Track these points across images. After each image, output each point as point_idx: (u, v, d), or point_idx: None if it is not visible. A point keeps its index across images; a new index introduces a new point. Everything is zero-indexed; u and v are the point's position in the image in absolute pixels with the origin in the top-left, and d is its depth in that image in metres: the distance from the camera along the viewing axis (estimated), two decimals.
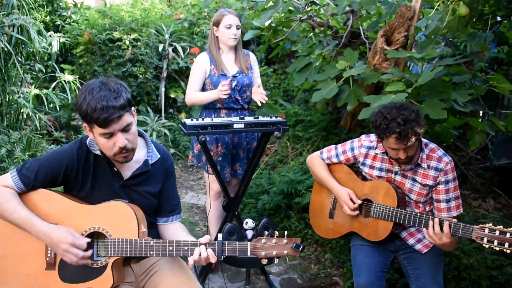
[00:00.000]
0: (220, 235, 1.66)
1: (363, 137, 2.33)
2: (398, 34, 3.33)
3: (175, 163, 5.22)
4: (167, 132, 5.02)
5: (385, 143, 2.06)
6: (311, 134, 4.47)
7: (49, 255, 1.66)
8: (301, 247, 1.63)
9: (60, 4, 5.45)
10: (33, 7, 3.68)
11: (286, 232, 1.69)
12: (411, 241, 2.22)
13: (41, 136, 3.65)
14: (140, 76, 4.92)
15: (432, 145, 2.18)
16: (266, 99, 2.83)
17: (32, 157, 3.44)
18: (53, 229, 1.62)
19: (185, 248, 1.65)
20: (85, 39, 4.80)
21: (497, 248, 1.79)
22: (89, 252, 1.64)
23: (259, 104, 2.85)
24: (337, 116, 4.59)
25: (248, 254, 1.64)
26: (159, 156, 1.86)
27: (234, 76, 2.92)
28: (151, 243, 1.65)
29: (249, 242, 1.64)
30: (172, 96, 5.59)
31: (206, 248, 1.63)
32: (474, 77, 3.12)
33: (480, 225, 1.85)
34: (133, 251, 1.64)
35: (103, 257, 1.68)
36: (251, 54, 3.08)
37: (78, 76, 4.07)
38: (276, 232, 1.68)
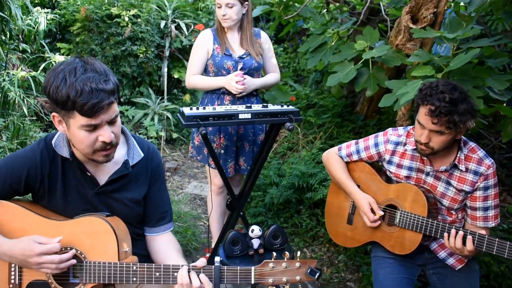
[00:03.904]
0: (218, 258, 1.36)
1: (389, 130, 2.00)
2: (425, 11, 2.96)
3: (178, 149, 4.92)
4: (169, 115, 4.67)
5: (418, 114, 1.76)
6: (325, 120, 4.13)
7: (12, 280, 1.38)
8: (318, 273, 1.34)
9: None
10: None
11: (299, 253, 1.39)
12: (442, 254, 1.92)
13: (30, 123, 3.35)
14: (141, 55, 4.58)
15: (472, 144, 1.85)
16: (240, 91, 2.48)
17: (22, 146, 3.15)
18: (15, 245, 1.33)
19: (175, 274, 1.35)
20: (81, 15, 4.45)
21: None
22: (69, 254, 1.35)
23: (234, 92, 2.50)
24: (352, 101, 4.24)
25: (252, 281, 1.35)
26: (142, 155, 1.55)
27: (240, 58, 2.59)
28: (134, 267, 1.35)
29: (253, 268, 1.34)
30: (176, 76, 5.25)
31: (199, 275, 1.33)
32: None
33: None
34: (112, 278, 1.35)
35: (78, 282, 1.40)
36: (263, 33, 2.73)
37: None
38: (287, 253, 1.38)
